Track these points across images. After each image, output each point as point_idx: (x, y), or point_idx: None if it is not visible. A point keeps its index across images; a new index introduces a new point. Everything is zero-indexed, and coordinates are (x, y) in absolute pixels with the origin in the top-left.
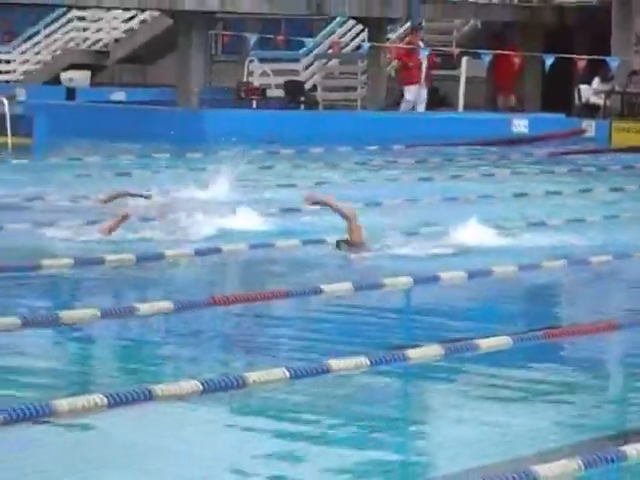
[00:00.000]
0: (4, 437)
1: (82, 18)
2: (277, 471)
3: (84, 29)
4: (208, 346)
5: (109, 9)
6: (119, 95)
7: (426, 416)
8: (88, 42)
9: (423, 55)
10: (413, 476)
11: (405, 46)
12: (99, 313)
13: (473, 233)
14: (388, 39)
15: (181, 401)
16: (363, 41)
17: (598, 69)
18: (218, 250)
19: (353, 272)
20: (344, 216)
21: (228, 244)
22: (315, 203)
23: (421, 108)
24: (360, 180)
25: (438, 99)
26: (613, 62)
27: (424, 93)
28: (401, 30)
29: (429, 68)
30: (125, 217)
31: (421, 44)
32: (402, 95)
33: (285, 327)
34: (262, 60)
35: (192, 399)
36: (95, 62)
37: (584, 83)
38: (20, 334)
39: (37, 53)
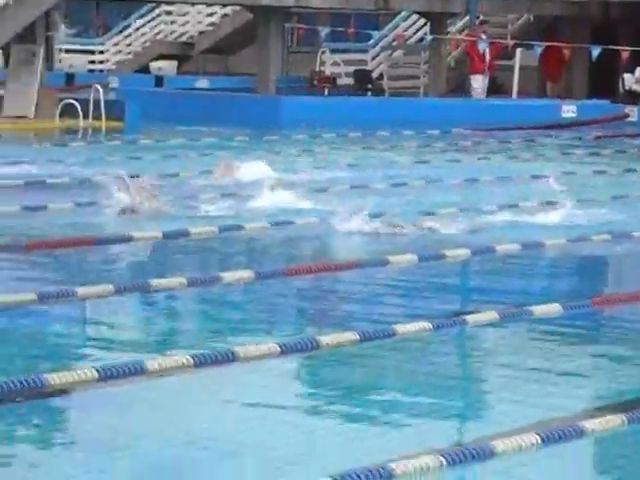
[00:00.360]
0: (99, 393)
1: (169, 12)
2: (345, 428)
3: (171, 22)
4: (284, 312)
5: (194, 4)
6: (203, 83)
7: (482, 377)
8: (175, 34)
9: (482, 47)
10: (474, 432)
11: (466, 38)
12: (186, 281)
13: (525, 209)
14: (448, 32)
15: (261, 362)
16: (425, 34)
17: None
18: (291, 223)
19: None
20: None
21: (301, 218)
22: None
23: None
24: (423, 161)
25: (495, 87)
26: None
27: (486, 81)
28: (460, 23)
29: (493, 59)
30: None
31: (484, 37)
32: (470, 84)
33: (356, 295)
34: (333, 51)
35: (270, 360)
36: (181, 53)
37: (627, 72)
38: (113, 300)
39: (128, 45)
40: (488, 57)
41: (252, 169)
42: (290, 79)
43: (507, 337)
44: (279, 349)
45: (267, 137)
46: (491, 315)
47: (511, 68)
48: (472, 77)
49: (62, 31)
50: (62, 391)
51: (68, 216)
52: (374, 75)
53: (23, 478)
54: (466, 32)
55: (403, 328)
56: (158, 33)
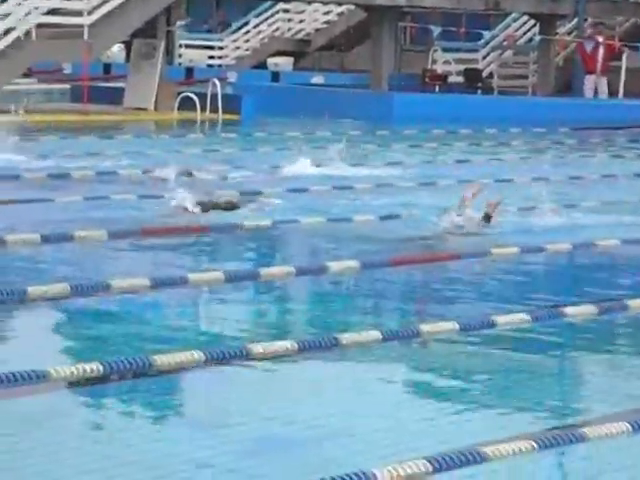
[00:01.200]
0: (205, 375)
1: (287, 10)
2: (442, 413)
3: (288, 20)
4: (387, 301)
5: (311, 2)
6: (318, 79)
7: (576, 368)
8: (292, 31)
9: (589, 48)
10: (566, 417)
11: (574, 39)
12: (294, 270)
13: (626, 207)
14: (557, 33)
15: (363, 348)
16: (535, 34)
17: None
18: (398, 216)
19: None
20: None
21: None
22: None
23: (603, 96)
24: (527, 157)
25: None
26: None
27: (603, 82)
28: (569, 25)
29: (605, 60)
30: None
31: (600, 38)
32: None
33: (455, 286)
34: (445, 50)
35: (373, 347)
36: (298, 49)
37: None
38: (223, 288)
39: (247, 41)
40: (601, 58)
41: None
42: (402, 76)
43: (603, 330)
44: (381, 336)
45: (379, 132)
46: (589, 309)
47: (618, 70)
48: (585, 77)
49: (178, 29)
50: (172, 371)
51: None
52: (484, 74)
53: (132, 452)
54: (584, 33)
55: (502, 319)
56: (276, 30)
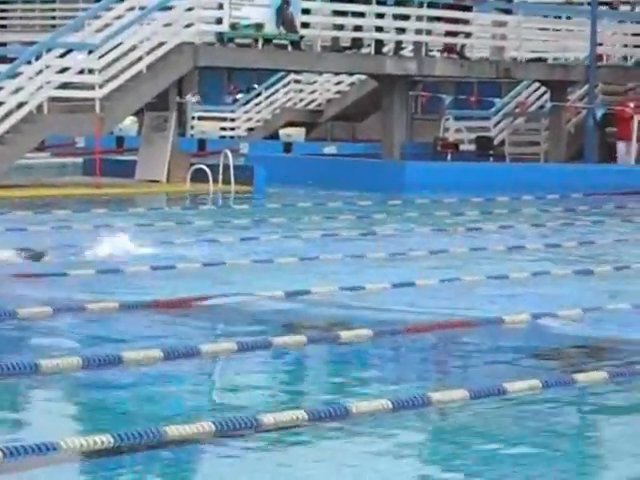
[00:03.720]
0: (216, 447)
1: (298, 81)
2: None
3: (300, 90)
4: (401, 369)
5: (322, 73)
6: (331, 149)
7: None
8: (304, 102)
9: (597, 114)
10: None
11: (584, 106)
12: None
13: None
14: (568, 99)
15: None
16: (546, 101)
17: None
18: (412, 284)
19: None
20: None
21: (420, 279)
22: None
23: (630, 161)
24: (541, 225)
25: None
26: None
27: (634, 148)
28: (580, 91)
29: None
30: None
31: (632, 104)
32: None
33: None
34: (456, 118)
35: (383, 416)
36: (310, 120)
37: None
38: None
39: (258, 112)
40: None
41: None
42: (414, 145)
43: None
44: (391, 405)
45: (391, 201)
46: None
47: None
48: (618, 143)
49: (189, 100)
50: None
51: None
52: (496, 141)
53: None
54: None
55: (512, 387)
56: (287, 101)
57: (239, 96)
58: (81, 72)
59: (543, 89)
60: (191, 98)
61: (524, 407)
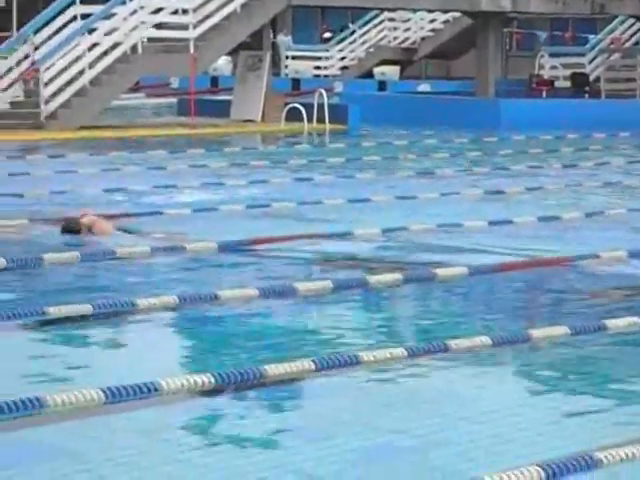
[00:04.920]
0: (315, 384)
1: (392, 19)
2: (554, 418)
3: (394, 28)
4: (498, 307)
5: (416, 10)
6: (425, 87)
7: None
8: (398, 40)
9: None
10: None
11: None
12: (401, 277)
13: None
14: None
15: (471, 354)
16: None
17: None
18: (510, 222)
19: None
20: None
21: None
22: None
23: None
24: (637, 161)
25: None
26: None
27: None
28: None
29: None
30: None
31: None
32: None
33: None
34: (552, 55)
35: (482, 353)
36: (404, 58)
37: None
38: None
39: (353, 51)
40: None
41: None
42: (509, 82)
43: None
44: (491, 342)
45: (486, 139)
46: None
47: None
48: None
49: (281, 40)
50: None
51: None
52: (591, 78)
53: (241, 463)
54: None
55: (612, 323)
56: (382, 39)
57: (326, 35)
58: (175, 12)
59: (638, 25)
60: (284, 37)
61: (625, 344)
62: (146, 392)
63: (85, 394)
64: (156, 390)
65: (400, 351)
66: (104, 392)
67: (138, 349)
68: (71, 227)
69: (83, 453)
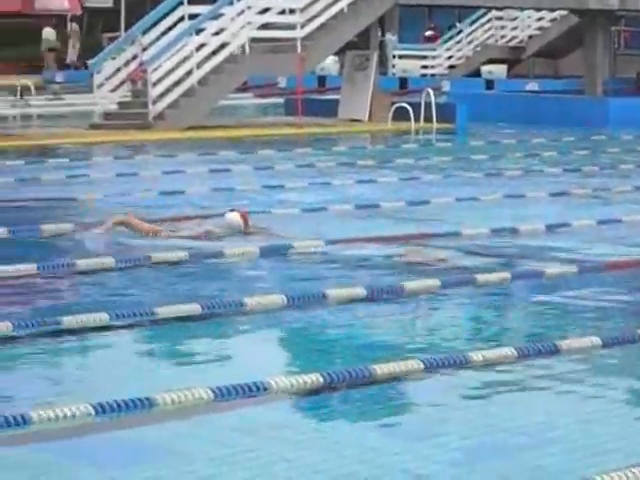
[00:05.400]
0: (423, 384)
1: (500, 17)
2: None
3: (502, 27)
4: (608, 306)
5: (523, 9)
6: (532, 86)
7: None
8: (505, 39)
9: None
10: None
11: None
12: (510, 276)
13: None
14: None
15: (582, 354)
16: None
17: None
18: (618, 221)
19: None
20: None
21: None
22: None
23: None
24: None
25: None
26: None
27: None
28: None
29: None
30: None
31: None
32: None
33: None
34: None
35: (593, 353)
36: (511, 56)
37: None
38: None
39: (460, 50)
40: None
41: None
42: (617, 81)
43: None
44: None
45: (594, 137)
46: None
47: None
48: None
49: (388, 39)
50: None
51: None
52: None
53: (348, 462)
54: None
55: None
56: (489, 38)
57: (427, 33)
58: (282, 12)
59: None
60: (391, 36)
61: None
62: (255, 391)
63: (194, 393)
64: (265, 389)
65: (509, 351)
66: (213, 391)
67: (246, 348)
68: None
69: (189, 453)
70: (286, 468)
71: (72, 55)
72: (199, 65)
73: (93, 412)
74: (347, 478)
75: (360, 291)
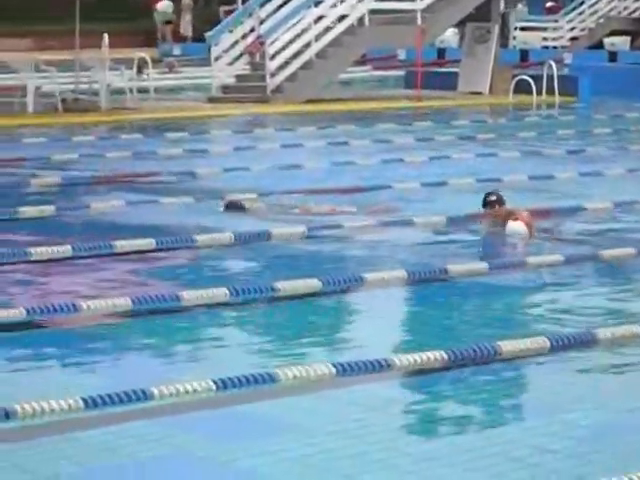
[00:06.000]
0: (549, 362)
1: None
2: None
3: None
4: None
5: None
6: None
7: None
8: (628, 10)
9: None
10: None
11: None
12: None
13: None
14: None
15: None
16: None
17: None
18: None
19: None
20: None
21: None
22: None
23: None
24: None
25: None
26: None
27: None
28: None
29: None
30: None
31: None
32: None
33: None
34: None
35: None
36: (635, 28)
37: None
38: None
39: (582, 21)
40: None
41: None
42: None
43: None
44: None
45: None
46: None
47: None
48: None
49: (519, 10)
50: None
51: None
52: None
53: (471, 438)
54: None
55: None
56: (612, 9)
57: (548, 4)
58: None
59: None
60: (522, 7)
61: None
62: (378, 368)
63: (316, 369)
64: (388, 366)
65: (638, 329)
66: (335, 367)
67: (368, 324)
68: (236, 204)
69: (309, 428)
70: (408, 444)
71: (186, 28)
72: (317, 38)
73: (214, 387)
74: (471, 455)
75: (482, 266)
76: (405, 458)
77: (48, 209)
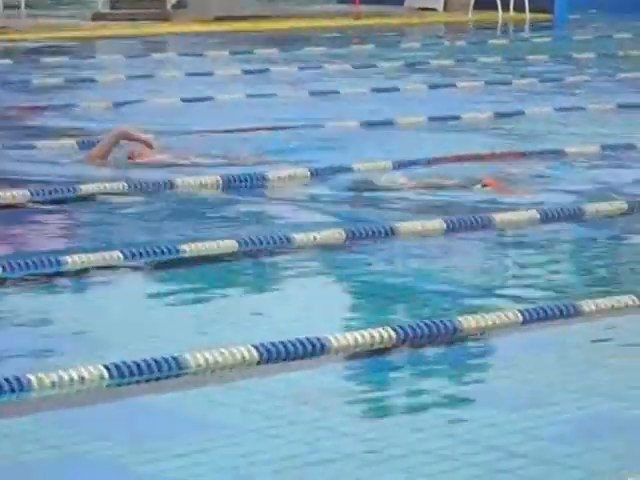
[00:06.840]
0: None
1: None
2: None
3: None
4: None
5: None
6: None
7: None
8: None
9: None
10: None
11: None
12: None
13: None
14: None
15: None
16: None
17: None
18: None
19: None
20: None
21: None
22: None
23: None
24: None
25: None
26: None
27: None
28: None
29: None
30: None
31: None
32: None
33: None
34: None
35: None
36: None
37: None
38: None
39: None
40: None
41: None
42: None
43: None
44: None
45: None
46: None
47: None
48: None
49: None
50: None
51: None
52: None
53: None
54: None
55: None
56: None
57: None
58: None
59: None
60: None
61: None
62: (309, 350)
63: (234, 352)
64: (322, 348)
65: (630, 299)
66: (257, 350)
67: (298, 296)
68: None
69: (224, 425)
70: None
71: None
72: None
73: (107, 375)
74: (423, 455)
75: (439, 224)
76: (344, 460)
77: None
